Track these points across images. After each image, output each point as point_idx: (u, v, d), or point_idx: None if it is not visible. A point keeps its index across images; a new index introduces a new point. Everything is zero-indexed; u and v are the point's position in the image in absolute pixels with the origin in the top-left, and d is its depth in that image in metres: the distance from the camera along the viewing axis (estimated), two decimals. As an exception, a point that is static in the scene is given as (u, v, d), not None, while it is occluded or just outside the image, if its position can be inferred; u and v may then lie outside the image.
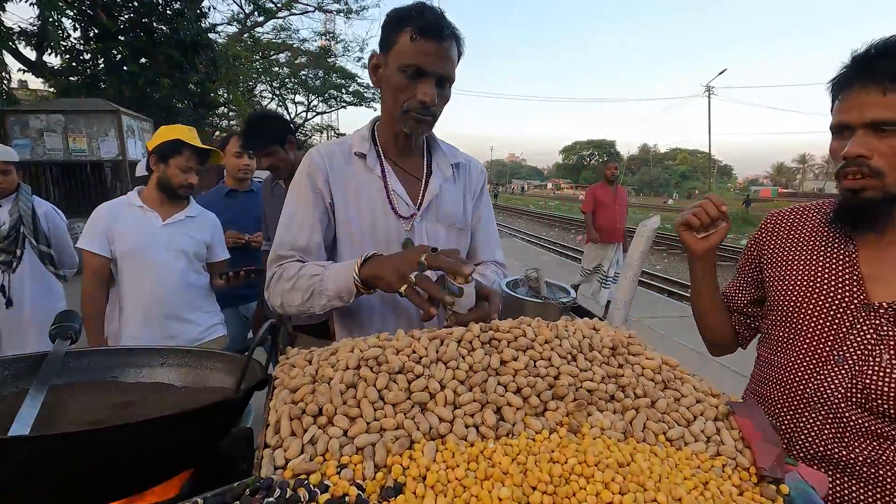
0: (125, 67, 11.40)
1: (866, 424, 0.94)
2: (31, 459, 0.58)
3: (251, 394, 0.81)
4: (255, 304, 2.83)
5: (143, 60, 11.71)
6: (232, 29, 19.09)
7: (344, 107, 28.35)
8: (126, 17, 11.73)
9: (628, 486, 0.55)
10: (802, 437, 1.02)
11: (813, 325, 1.01)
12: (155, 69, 11.68)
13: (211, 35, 14.39)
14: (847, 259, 0.99)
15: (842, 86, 0.94)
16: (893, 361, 0.90)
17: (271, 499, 0.50)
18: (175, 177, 2.08)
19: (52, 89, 12.58)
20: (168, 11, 11.79)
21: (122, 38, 11.46)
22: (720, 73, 28.25)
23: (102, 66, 11.92)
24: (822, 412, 0.98)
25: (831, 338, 0.98)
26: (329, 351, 0.77)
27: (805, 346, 1.02)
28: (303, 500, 0.50)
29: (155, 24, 11.81)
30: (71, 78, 12.25)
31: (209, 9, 12.81)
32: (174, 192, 2.10)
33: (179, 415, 0.64)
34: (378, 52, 1.15)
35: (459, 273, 0.89)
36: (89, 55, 11.98)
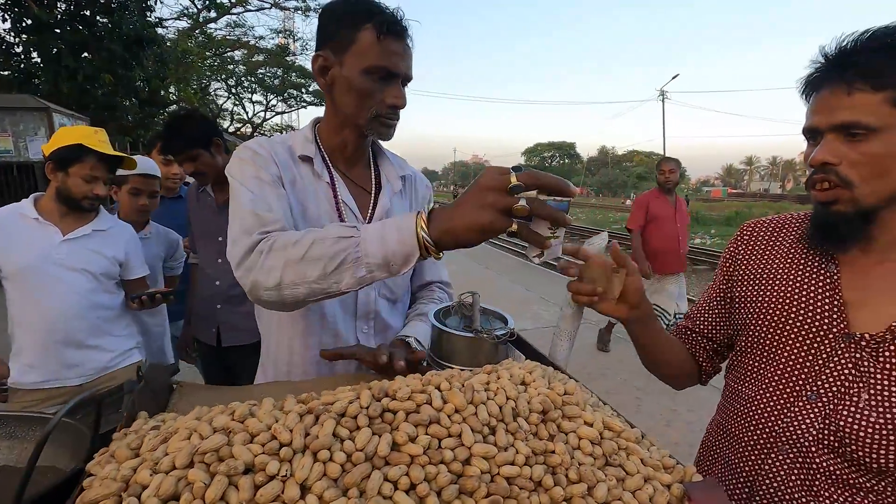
0: (62, 62, 10.60)
1: (838, 472, 0.81)
2: None
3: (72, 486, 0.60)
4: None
5: (83, 55, 10.94)
6: (183, 24, 18.23)
7: (304, 107, 27.67)
8: (62, 8, 10.93)
9: None
10: (767, 481, 0.89)
11: (786, 354, 0.88)
12: (96, 64, 10.93)
13: (159, 30, 13.63)
14: (828, 281, 0.86)
15: (811, 86, 0.82)
16: (872, 402, 0.78)
17: None
18: (77, 187, 1.78)
19: (-26, 85, 11.63)
20: (111, 4, 11.06)
21: (59, 31, 10.66)
22: (673, 78, 29.28)
23: (37, 60, 11.06)
24: (791, 455, 0.85)
25: (805, 371, 0.85)
26: (162, 436, 0.57)
27: (776, 378, 0.89)
28: None
29: (96, 16, 11.06)
30: (2, 73, 11.31)
31: (156, 2, 12.11)
32: (76, 204, 1.81)
33: None
34: (323, 51, 1.02)
35: (567, 192, 0.68)
36: (21, 48, 11.09)
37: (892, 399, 0.77)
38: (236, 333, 2.14)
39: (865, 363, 0.80)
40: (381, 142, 1.19)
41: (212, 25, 19.83)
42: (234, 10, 19.54)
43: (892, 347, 0.78)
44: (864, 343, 0.80)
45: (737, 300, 1.01)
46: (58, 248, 1.81)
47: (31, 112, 7.91)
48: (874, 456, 0.78)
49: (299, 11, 20.14)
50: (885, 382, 0.78)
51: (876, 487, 0.80)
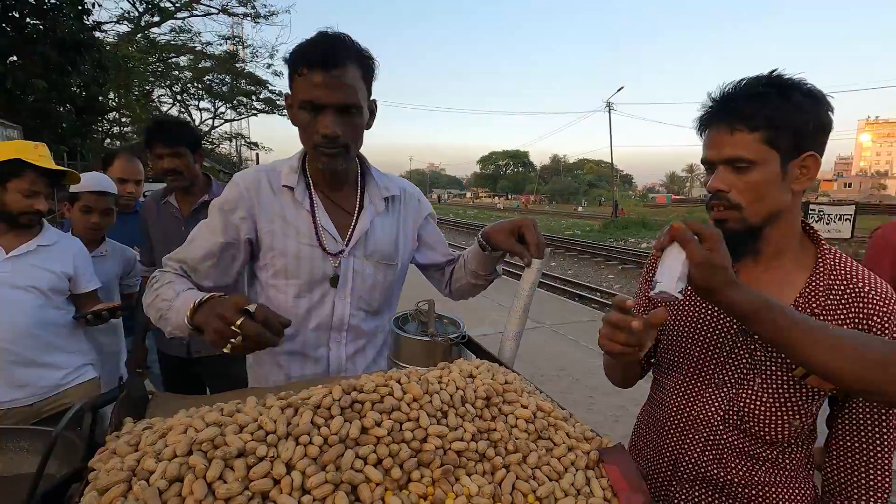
0: (-14, 67, 9.92)
1: (741, 446, 0.99)
2: None
3: (65, 489, 0.67)
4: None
5: (11, 59, 10.26)
6: (123, 28, 17.45)
7: (255, 114, 26.98)
8: (-16, 9, 10.24)
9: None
10: (686, 458, 1.05)
11: (697, 350, 1.04)
12: (27, 70, 10.29)
13: (96, 34, 12.99)
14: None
15: (704, 124, 0.99)
16: (764, 385, 0.96)
17: None
18: (15, 203, 1.74)
19: None
20: (43, 6, 10.45)
21: (-17, 34, 9.99)
22: (618, 91, 30.73)
23: (-42, 65, 10.31)
24: (704, 434, 1.02)
25: (713, 363, 1.02)
26: (159, 433, 0.65)
27: (690, 370, 1.05)
28: None
29: (26, 18, 10.41)
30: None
31: (93, 5, 11.55)
32: (13, 220, 1.77)
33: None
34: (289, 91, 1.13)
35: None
36: (-63, 52, 10.30)
37: (779, 382, 0.95)
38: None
39: (758, 354, 0.98)
40: (368, 162, 1.27)
41: (155, 30, 19.10)
42: (180, 15, 18.92)
43: None
44: (755, 337, 0.98)
45: (658, 306, 1.18)
46: (1, 266, 1.77)
47: (-47, 120, 7.38)
48: (767, 430, 0.96)
49: (248, 18, 19.74)
50: (773, 368, 0.96)
51: (771, 456, 0.99)
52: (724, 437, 1.01)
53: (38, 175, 1.77)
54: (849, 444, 0.95)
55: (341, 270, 1.17)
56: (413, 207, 1.32)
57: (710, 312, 1.05)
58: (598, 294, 9.18)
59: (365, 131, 1.16)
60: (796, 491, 1.01)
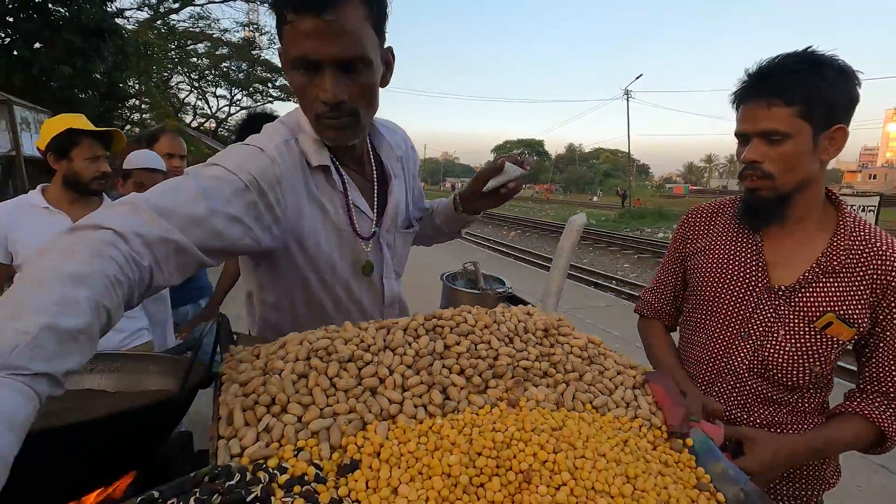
0: (15, 52, 10.19)
1: (764, 392, 1.09)
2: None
3: (195, 393, 0.81)
4: (188, 308, 2.70)
5: (37, 45, 10.52)
6: (143, 15, 17.68)
7: (270, 101, 27.17)
8: (11, -4, 10.48)
9: (560, 446, 0.63)
10: None
11: (725, 307, 1.14)
12: (52, 56, 10.54)
13: (118, 20, 13.22)
14: (754, 249, 1.13)
15: (739, 99, 1.07)
16: (787, 336, 1.06)
17: (232, 482, 0.51)
18: (84, 170, 1.89)
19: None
20: (68, -8, 10.68)
21: (11, 20, 10.23)
22: (637, 78, 30.35)
23: (-15, 51, 10.59)
24: (730, 382, 1.13)
25: (740, 318, 1.12)
26: (277, 345, 0.79)
27: (718, 325, 1.16)
28: (262, 481, 0.52)
29: (51, 5, 10.65)
30: (-52, 65, 10.78)
31: (116, -8, 11.75)
32: (86, 187, 1.92)
33: (122, 413, 0.63)
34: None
35: None
36: (-33, 38, 10.60)
37: (802, 333, 1.05)
38: None
39: (782, 308, 1.08)
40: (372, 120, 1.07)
41: (174, 17, 19.32)
42: (198, 1, 19.10)
43: (799, 294, 1.06)
44: (780, 293, 1.08)
45: (689, 271, 1.28)
46: None
47: (-11, 105, 7.63)
48: (789, 376, 1.06)
49: (265, 4, 19.82)
50: (796, 320, 1.06)
51: (790, 400, 1.09)
52: (749, 384, 1.11)
53: (93, 140, 1.91)
54: (881, 357, 1.04)
55: (378, 252, 1.08)
56: (412, 161, 1.20)
57: (735, 275, 1.15)
58: (615, 283, 9.24)
59: (380, 89, 0.94)
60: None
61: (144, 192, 0.73)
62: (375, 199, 1.06)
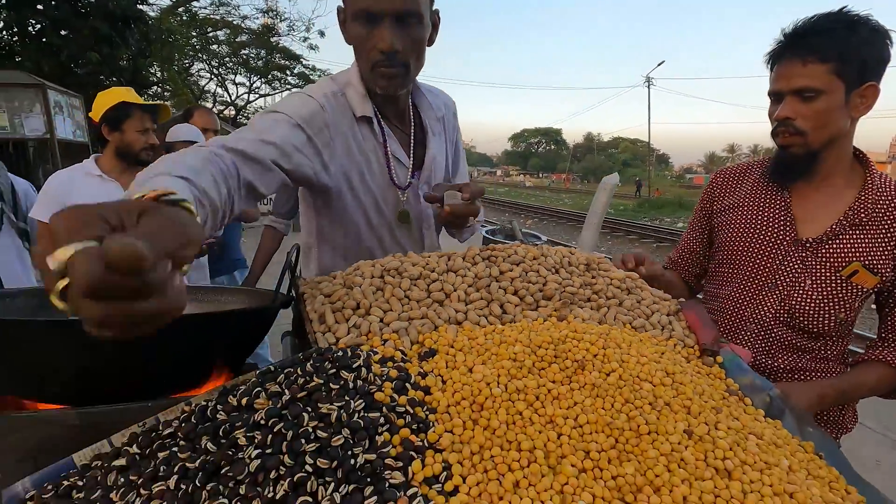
0: (44, 39, 10.48)
1: (788, 339, 1.17)
2: (92, 343, 0.65)
3: (279, 307, 0.92)
4: (223, 279, 2.85)
5: (64, 32, 10.79)
6: (165, 1, 17.92)
7: (288, 89, 27.35)
8: (40, -17, 10.73)
9: (609, 344, 0.72)
10: None
11: (753, 260, 1.21)
12: (80, 42, 10.81)
13: (142, 7, 13.45)
14: (782, 204, 1.20)
15: (774, 58, 1.13)
16: (814, 286, 1.13)
17: (339, 353, 0.62)
18: (135, 141, 2.03)
19: (-45, 63, 11.37)
20: (95, -20, 10.89)
21: (41, 7, 10.50)
22: (659, 65, 29.75)
23: (16, 38, 10.89)
24: (754, 331, 1.20)
25: (767, 270, 1.19)
26: (351, 269, 0.89)
27: (745, 278, 1.22)
28: (362, 356, 0.63)
29: (80, -8, 10.90)
30: (-20, 50, 11.13)
31: (142, -21, 11.94)
32: (136, 157, 2.05)
33: (233, 312, 0.74)
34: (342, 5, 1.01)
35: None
36: (1, 24, 10.90)
37: (828, 282, 1.12)
38: None
39: (809, 260, 1.15)
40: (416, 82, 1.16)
41: (195, 3, 19.53)
42: (219, -13, 19.25)
43: (826, 245, 1.13)
44: (808, 245, 1.15)
45: (716, 228, 1.35)
46: None
47: (25, 89, 7.88)
48: (815, 324, 1.14)
49: (288, -13, 19.87)
50: (823, 270, 1.13)
51: (813, 347, 1.17)
52: (774, 332, 1.19)
53: (143, 112, 2.05)
54: None
55: (415, 201, 1.15)
56: (453, 128, 1.27)
57: (764, 229, 1.21)
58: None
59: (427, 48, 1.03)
60: (832, 376, 1.19)
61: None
62: (412, 151, 1.16)
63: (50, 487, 0.58)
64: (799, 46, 1.07)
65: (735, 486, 0.55)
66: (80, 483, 0.57)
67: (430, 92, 1.24)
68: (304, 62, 25.01)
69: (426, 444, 0.55)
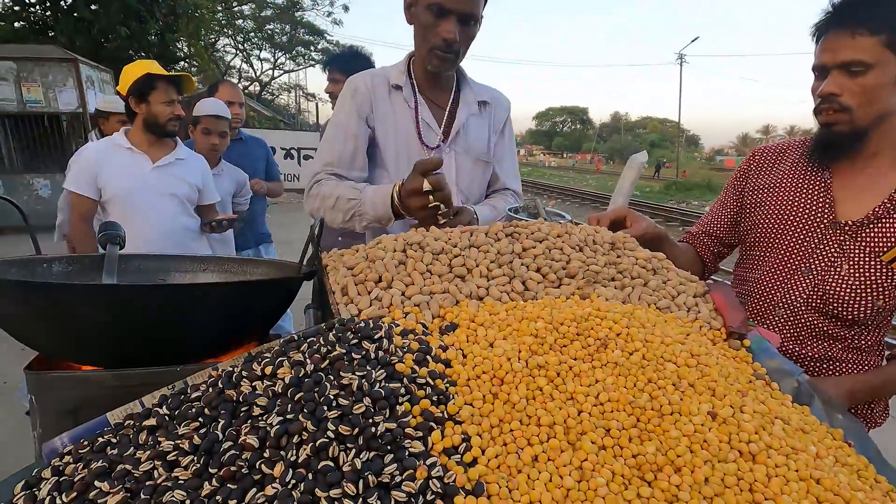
0: (76, 14, 10.65)
1: (819, 326, 1.13)
2: (128, 306, 0.67)
3: (303, 279, 0.93)
4: (248, 252, 2.91)
5: (94, 7, 10.93)
6: (192, -25, 17.92)
7: (312, 65, 27.29)
8: (71, -41, 10.85)
9: (633, 324, 0.71)
10: None
11: (787, 242, 1.16)
12: (110, 17, 10.94)
13: (169, -19, 13.51)
14: (822, 184, 1.14)
15: (820, 30, 1.06)
16: (851, 271, 1.08)
17: (361, 324, 0.63)
18: (161, 112, 2.05)
19: (-8, 37, 11.67)
20: (123, -46, 10.96)
21: (72, -18, 10.65)
22: (693, 41, 28.55)
23: (49, 13, 11.10)
24: (785, 316, 1.16)
25: (801, 253, 1.14)
26: (374, 242, 0.89)
27: (778, 261, 1.18)
28: (383, 327, 0.63)
29: (109, -33, 10.99)
30: (15, 24, 11.38)
31: (168, -46, 11.96)
32: (163, 129, 2.08)
33: (259, 282, 0.76)
34: None
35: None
36: (35, -1, 11.12)
37: (867, 267, 1.07)
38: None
39: (847, 243, 1.10)
40: (465, 71, 1.37)
41: (221, -23, 19.49)
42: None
43: (868, 229, 1.08)
44: (847, 228, 1.10)
45: (747, 208, 1.30)
46: (149, 174, 2.10)
47: (59, 63, 8.06)
48: (850, 310, 1.09)
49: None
50: (861, 255, 1.08)
51: (846, 336, 1.12)
52: (805, 318, 1.15)
53: (168, 84, 2.06)
54: None
55: (443, 165, 1.28)
56: (498, 115, 1.43)
57: (800, 210, 1.16)
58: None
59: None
60: (865, 368, 1.14)
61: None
62: (447, 123, 1.30)
63: (86, 443, 0.60)
64: (848, 18, 1.01)
65: (759, 469, 0.54)
66: (114, 440, 0.59)
67: (484, 86, 1.42)
68: (328, 38, 24.91)
69: (446, 416, 0.55)
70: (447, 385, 0.59)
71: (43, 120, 8.11)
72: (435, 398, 0.56)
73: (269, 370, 0.58)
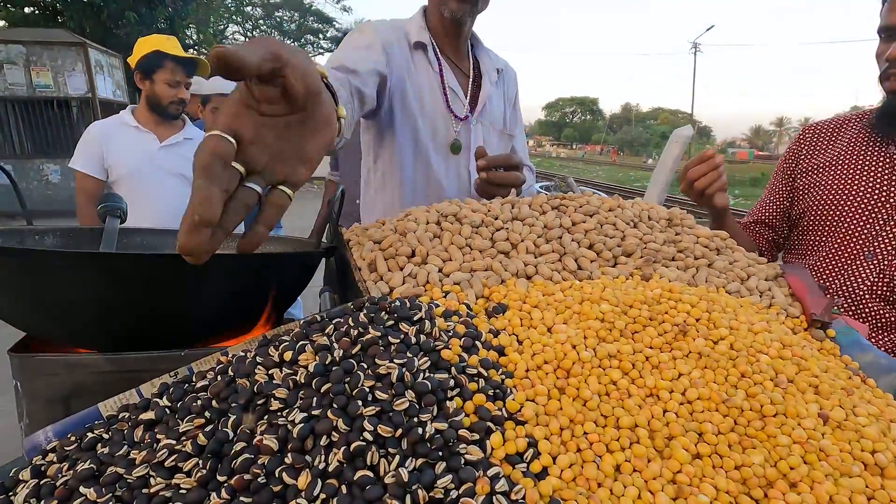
0: (87, -1, 10.56)
1: (886, 316, 1.02)
2: (124, 279, 0.58)
3: (321, 257, 0.83)
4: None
5: (103, -9, 10.83)
6: (201, -39, 17.74)
7: (321, 53, 27.09)
8: (82, -56, 10.75)
9: (713, 308, 0.60)
10: None
11: (847, 225, 1.06)
12: (120, 2, 10.84)
13: (179, -34, 13.36)
14: (887, 160, 1.03)
15: None
16: None
17: (396, 303, 0.52)
18: (163, 93, 1.95)
19: (2, 22, 11.62)
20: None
21: (82, -34, 10.55)
22: (708, 30, 27.92)
23: (59, -2, 11.02)
24: (846, 305, 1.05)
25: (863, 236, 1.04)
26: (402, 214, 0.79)
27: (837, 245, 1.07)
28: (422, 308, 0.53)
29: (118, -50, 10.87)
30: (26, 9, 11.31)
31: (177, -62, 11.83)
32: (164, 110, 1.98)
33: (273, 255, 0.66)
34: None
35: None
36: (45, -18, 11.04)
37: None
38: None
39: None
40: (477, 35, 1.24)
41: (230, -37, 19.28)
42: (254, -53, 18.90)
43: None
44: None
45: (800, 190, 1.18)
46: (157, 154, 2.01)
47: (68, 47, 7.98)
48: None
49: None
50: None
51: None
52: (869, 307, 1.03)
53: (177, 64, 1.95)
54: None
55: (468, 137, 1.17)
56: (511, 85, 1.32)
57: (862, 189, 1.05)
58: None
59: None
60: None
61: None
62: (471, 94, 1.19)
63: (73, 439, 0.51)
64: None
65: (893, 485, 0.44)
66: (106, 436, 0.50)
67: (496, 54, 1.29)
68: (337, 25, 24.65)
69: (505, 415, 0.45)
70: (503, 377, 0.49)
71: (53, 105, 8.05)
72: (490, 392, 0.46)
73: (288, 356, 0.48)
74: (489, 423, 0.43)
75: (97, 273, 0.56)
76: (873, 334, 1.04)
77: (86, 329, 0.63)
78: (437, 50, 1.15)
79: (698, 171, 1.03)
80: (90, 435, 0.50)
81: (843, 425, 0.49)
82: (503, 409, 0.45)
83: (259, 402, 0.46)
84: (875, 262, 1.03)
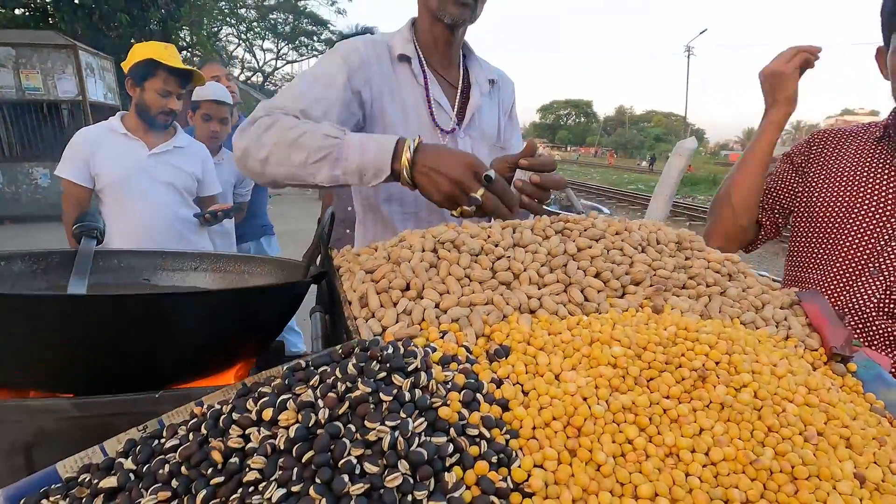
0: (76, 0, 10.44)
1: (891, 332, 0.98)
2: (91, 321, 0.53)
3: (307, 286, 0.78)
4: (250, 244, 2.77)
5: (95, -7, 10.73)
6: (194, -38, 17.63)
7: (315, 55, 27.01)
8: (73, -55, 10.64)
9: (734, 349, 0.56)
10: None
11: (852, 239, 1.02)
12: (112, 3, 10.74)
13: (171, -33, 13.26)
14: (893, 174, 1.00)
15: None
16: None
17: (389, 351, 0.47)
18: (153, 102, 1.89)
19: (-9, 24, 11.49)
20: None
21: (73, -32, 10.44)
22: (701, 33, 28.10)
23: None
24: (853, 322, 1.02)
25: (869, 250, 1.00)
26: (396, 239, 0.74)
27: (842, 260, 1.03)
28: (418, 355, 0.48)
29: (110, -49, 10.77)
30: (16, 11, 11.19)
31: (169, -60, 11.74)
32: (152, 120, 1.92)
33: (255, 288, 0.60)
34: None
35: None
36: (34, -16, 10.92)
37: None
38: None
39: None
40: (470, 45, 1.21)
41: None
42: (247, -51, 18.84)
43: None
44: None
45: (804, 197, 1.13)
46: (145, 162, 1.95)
47: (58, 50, 7.87)
48: None
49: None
50: None
51: None
52: (876, 324, 0.99)
53: (170, 74, 1.89)
54: None
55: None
56: (507, 95, 1.28)
57: (868, 202, 1.01)
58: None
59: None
60: None
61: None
62: (460, 106, 1.14)
63: (26, 505, 0.46)
64: None
65: (943, 562, 0.39)
66: (63, 503, 0.44)
67: (488, 62, 1.25)
68: (332, 28, 24.59)
69: (511, 486, 0.40)
70: (507, 437, 0.44)
71: (42, 107, 7.94)
72: (494, 459, 0.41)
73: (268, 414, 0.43)
74: (493, 498, 0.38)
75: (59, 316, 0.51)
76: (882, 353, 1.00)
77: (47, 375, 0.57)
78: (424, 62, 1.11)
79: None
80: (44, 502, 0.44)
81: (881, 487, 0.44)
82: (508, 479, 0.40)
83: (232, 469, 0.41)
84: (881, 277, 0.99)
